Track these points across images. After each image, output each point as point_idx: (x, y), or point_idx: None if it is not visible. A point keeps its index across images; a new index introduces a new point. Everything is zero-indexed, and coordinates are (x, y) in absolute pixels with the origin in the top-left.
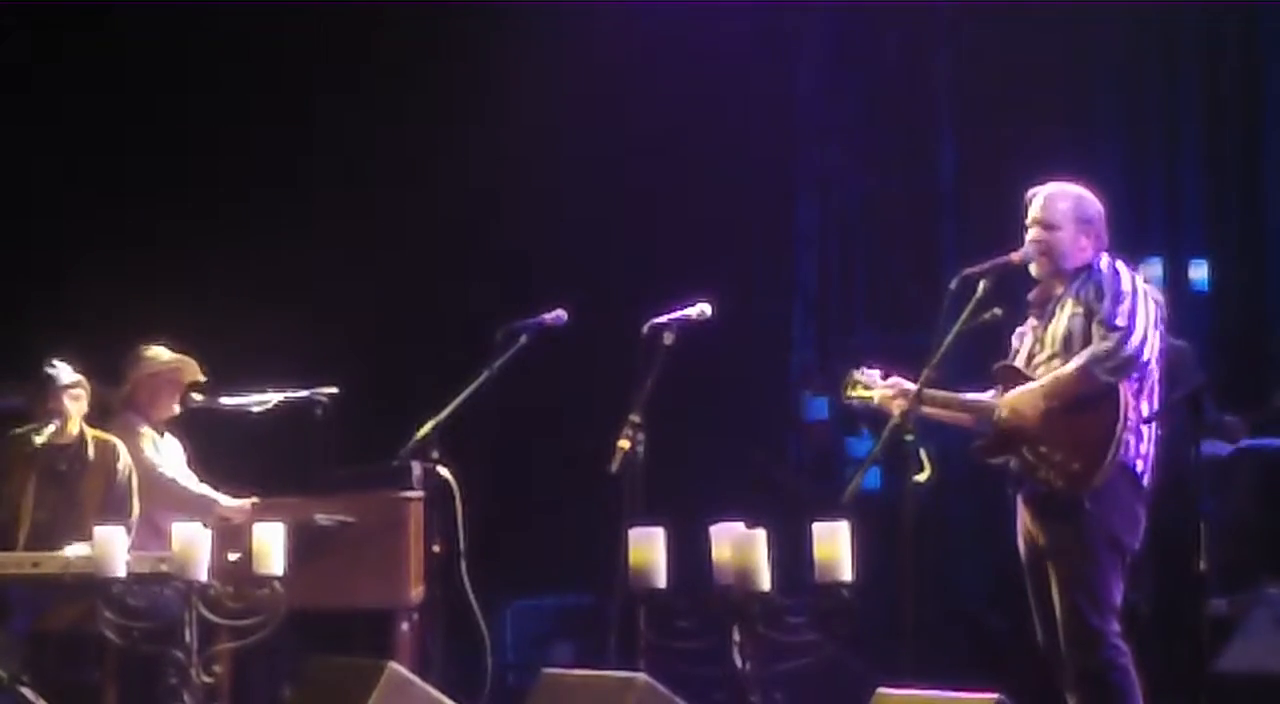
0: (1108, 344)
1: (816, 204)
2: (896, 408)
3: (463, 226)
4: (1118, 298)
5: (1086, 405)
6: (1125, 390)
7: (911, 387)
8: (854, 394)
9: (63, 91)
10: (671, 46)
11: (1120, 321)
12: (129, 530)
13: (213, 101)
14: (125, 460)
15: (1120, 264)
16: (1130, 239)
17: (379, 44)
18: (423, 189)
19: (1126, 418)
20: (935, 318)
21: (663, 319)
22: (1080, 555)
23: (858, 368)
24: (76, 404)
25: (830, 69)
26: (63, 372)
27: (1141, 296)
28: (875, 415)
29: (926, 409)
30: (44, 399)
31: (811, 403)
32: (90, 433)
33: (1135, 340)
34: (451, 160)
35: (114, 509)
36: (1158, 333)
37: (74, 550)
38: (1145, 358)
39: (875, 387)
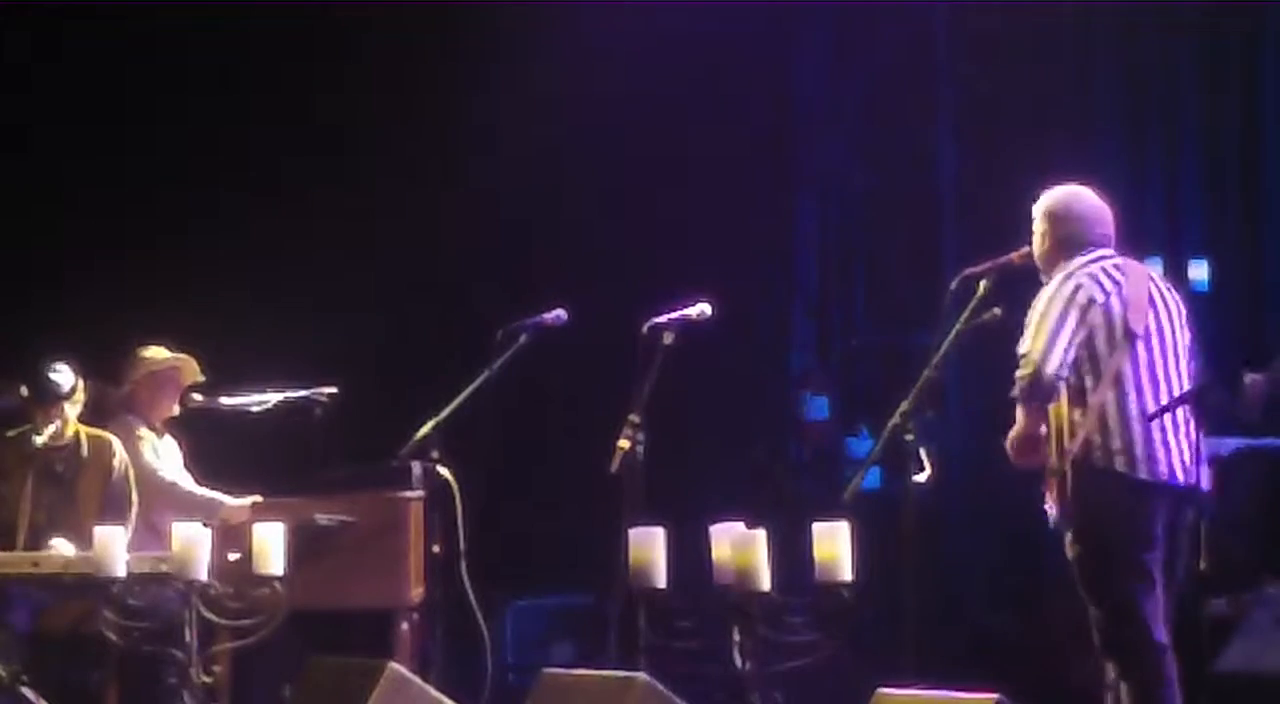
0: (1017, 371)
1: (816, 204)
2: None
3: (463, 226)
4: (1030, 320)
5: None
6: (1063, 402)
7: None
8: None
9: (62, 91)
10: (671, 46)
11: (1022, 347)
12: (128, 528)
13: (212, 101)
14: (121, 457)
15: (1061, 277)
16: (1130, 239)
17: (378, 44)
18: (423, 189)
19: (1061, 434)
20: (935, 318)
21: (663, 319)
22: (1078, 562)
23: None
24: (75, 407)
25: (830, 69)
26: (66, 377)
27: (1052, 307)
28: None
29: None
30: (47, 404)
31: (811, 403)
32: (85, 431)
33: (1028, 366)
34: (451, 160)
35: (113, 507)
36: (1079, 335)
37: (60, 547)
38: (1050, 372)
39: None
